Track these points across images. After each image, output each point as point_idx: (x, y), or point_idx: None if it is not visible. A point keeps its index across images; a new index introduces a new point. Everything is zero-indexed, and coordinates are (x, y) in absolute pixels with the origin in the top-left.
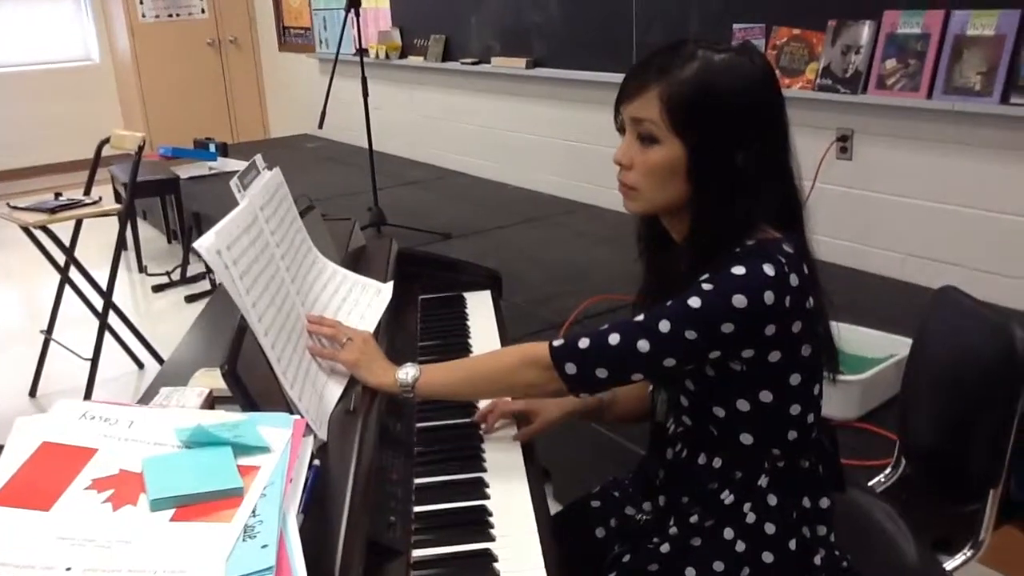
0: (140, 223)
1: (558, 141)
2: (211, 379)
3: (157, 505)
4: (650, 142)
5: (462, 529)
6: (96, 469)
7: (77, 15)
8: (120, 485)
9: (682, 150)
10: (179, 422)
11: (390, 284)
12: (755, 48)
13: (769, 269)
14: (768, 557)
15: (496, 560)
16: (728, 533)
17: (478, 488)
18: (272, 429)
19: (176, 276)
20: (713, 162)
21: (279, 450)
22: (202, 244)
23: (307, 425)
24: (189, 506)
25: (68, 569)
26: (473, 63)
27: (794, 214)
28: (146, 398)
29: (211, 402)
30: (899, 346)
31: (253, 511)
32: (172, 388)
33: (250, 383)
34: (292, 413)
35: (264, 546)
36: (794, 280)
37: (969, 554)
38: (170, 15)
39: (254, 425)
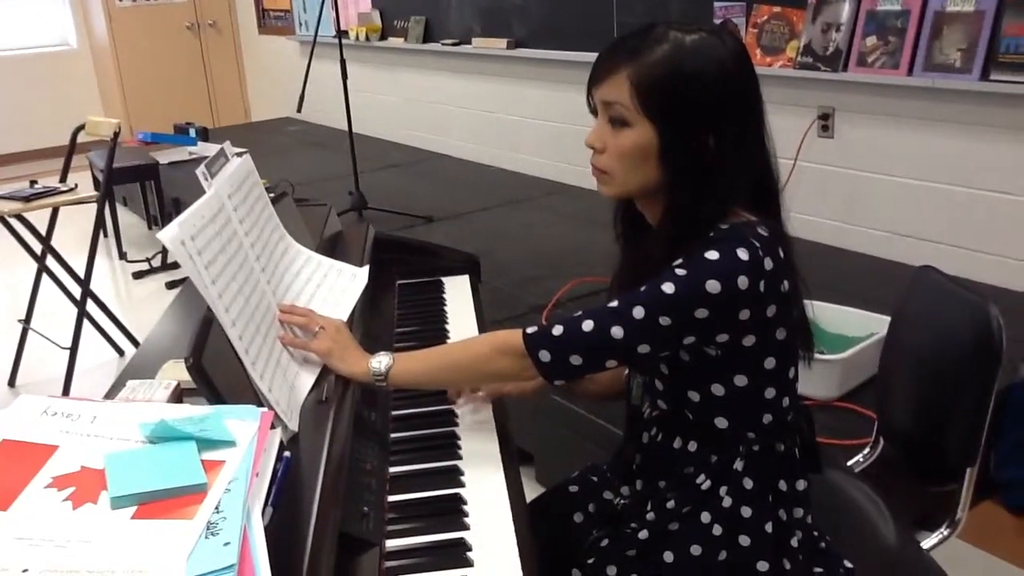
0: (120, 209)
1: (540, 122)
2: (179, 371)
3: (118, 503)
4: (621, 125)
5: (437, 518)
6: (57, 466)
7: None
8: (81, 483)
9: (653, 133)
10: (143, 417)
11: (366, 268)
12: (728, 29)
13: (743, 253)
14: (745, 540)
15: (470, 549)
16: (705, 517)
17: (453, 476)
18: (239, 422)
19: (157, 263)
20: (684, 145)
21: (245, 444)
22: (166, 235)
23: (276, 417)
24: (151, 503)
25: (25, 571)
26: (454, 44)
27: (769, 196)
28: (113, 391)
29: (179, 395)
30: (880, 324)
31: (216, 507)
32: (139, 381)
33: (219, 375)
34: (261, 405)
35: (226, 543)
36: (768, 264)
37: (946, 533)
38: None
39: (220, 418)
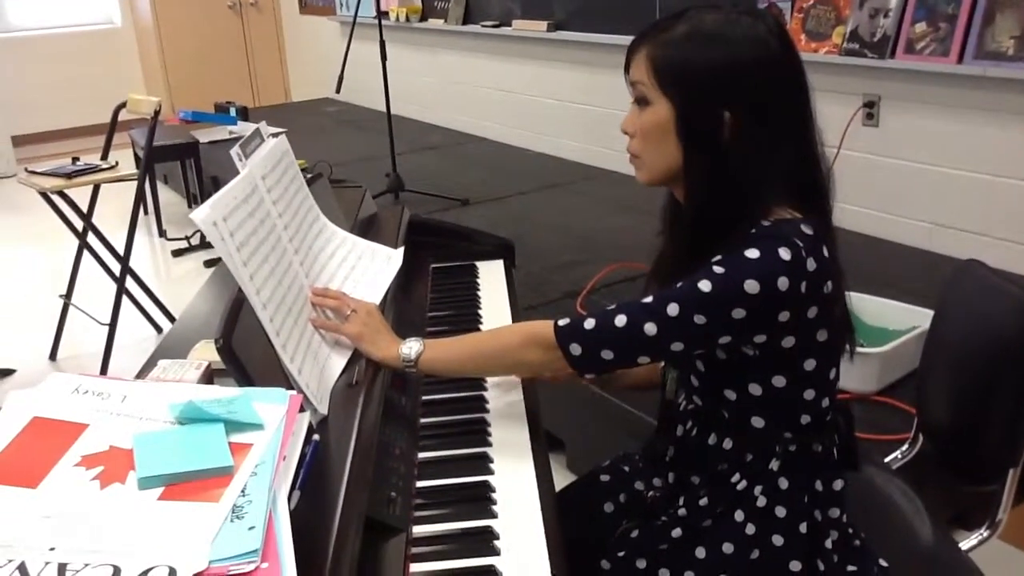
0: (160, 187)
1: (579, 106)
2: (211, 351)
3: (145, 483)
4: (644, 104)
5: (465, 505)
6: (86, 445)
7: None
8: (109, 462)
9: (670, 110)
10: (173, 397)
11: (400, 250)
12: (766, 12)
13: (785, 253)
14: (778, 540)
15: (497, 537)
16: (739, 515)
17: (482, 463)
18: (267, 405)
19: (196, 240)
20: (699, 122)
21: (273, 427)
22: (198, 215)
23: (306, 400)
24: (178, 484)
25: (52, 549)
26: (494, 26)
27: (815, 192)
28: (145, 370)
29: (210, 376)
30: (922, 318)
31: (243, 490)
32: (171, 361)
33: (249, 356)
34: (291, 387)
35: (251, 527)
36: (811, 265)
37: (985, 534)
38: None
39: (249, 401)
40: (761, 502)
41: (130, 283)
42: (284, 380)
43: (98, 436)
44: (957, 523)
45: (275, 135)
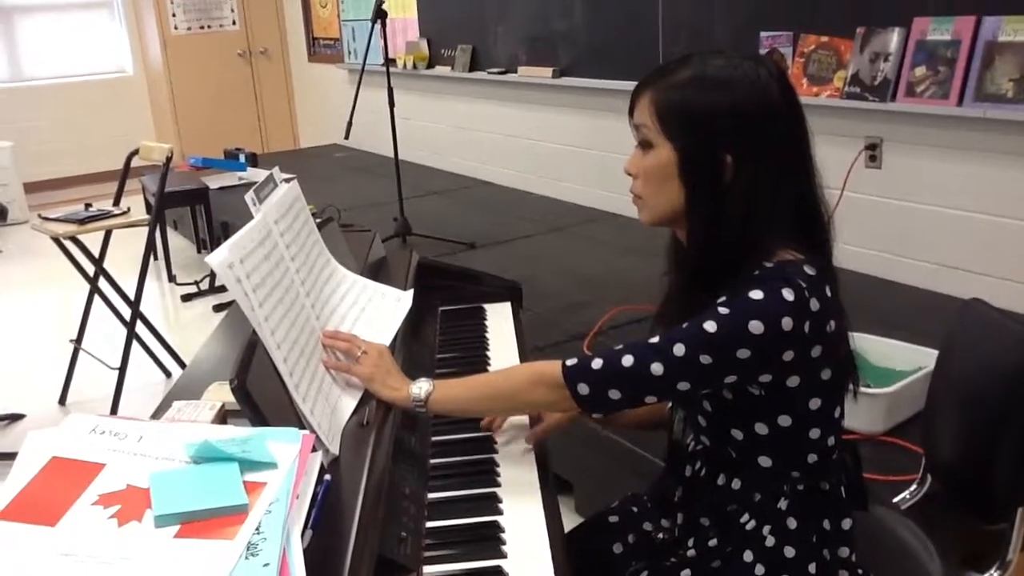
0: (170, 233)
1: (584, 150)
2: (224, 392)
3: (162, 521)
4: (647, 147)
5: (474, 545)
6: (103, 484)
7: (111, 27)
8: (126, 501)
9: (672, 153)
10: (188, 437)
11: (410, 292)
12: (768, 59)
13: (788, 294)
14: None
15: None
16: (748, 556)
17: (492, 504)
18: (280, 444)
19: (205, 286)
20: (701, 165)
21: (286, 466)
22: (214, 258)
23: (318, 440)
24: (193, 522)
25: None
26: (500, 73)
27: (816, 232)
28: (159, 411)
29: (223, 416)
30: (928, 358)
31: (257, 528)
32: (185, 402)
33: (263, 396)
34: (304, 427)
35: (266, 564)
36: (814, 305)
37: (996, 575)
38: (202, 27)
39: (263, 440)
40: (770, 542)
41: (140, 327)
42: (297, 420)
43: (115, 475)
44: (968, 565)
45: (286, 180)
